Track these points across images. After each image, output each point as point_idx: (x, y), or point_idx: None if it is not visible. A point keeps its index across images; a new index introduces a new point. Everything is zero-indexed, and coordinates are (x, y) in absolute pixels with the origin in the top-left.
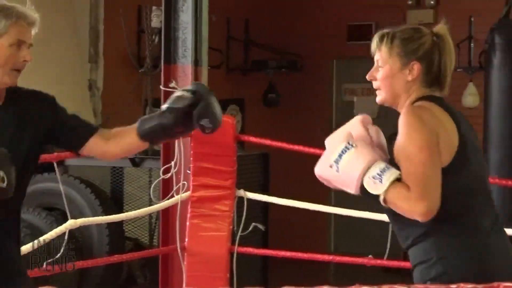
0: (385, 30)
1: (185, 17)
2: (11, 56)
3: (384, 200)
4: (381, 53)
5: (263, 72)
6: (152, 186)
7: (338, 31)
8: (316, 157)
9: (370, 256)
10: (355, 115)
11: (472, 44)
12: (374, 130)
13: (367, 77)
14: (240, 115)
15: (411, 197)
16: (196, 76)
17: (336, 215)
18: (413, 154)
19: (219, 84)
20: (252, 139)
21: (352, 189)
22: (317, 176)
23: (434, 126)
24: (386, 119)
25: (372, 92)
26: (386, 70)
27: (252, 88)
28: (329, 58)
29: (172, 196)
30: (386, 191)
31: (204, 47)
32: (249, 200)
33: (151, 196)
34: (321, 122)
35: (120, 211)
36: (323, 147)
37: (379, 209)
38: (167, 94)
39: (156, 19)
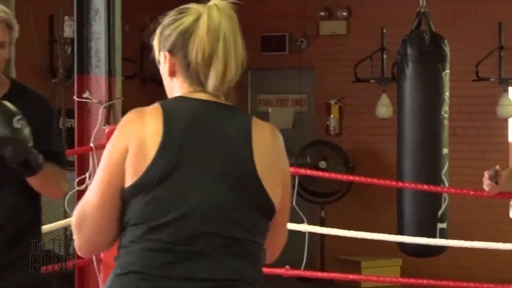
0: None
1: (98, 27)
2: None
3: None
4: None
5: None
6: (67, 197)
7: (252, 42)
8: None
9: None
10: None
11: (384, 56)
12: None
13: None
14: None
15: None
16: (110, 86)
17: None
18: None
19: (133, 95)
20: None
21: None
22: None
23: (130, 137)
24: (301, 129)
25: (286, 102)
26: (160, 70)
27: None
28: (244, 69)
29: None
30: None
31: (117, 57)
32: None
33: (66, 207)
34: None
35: None
36: None
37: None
38: (81, 105)
39: (69, 29)
